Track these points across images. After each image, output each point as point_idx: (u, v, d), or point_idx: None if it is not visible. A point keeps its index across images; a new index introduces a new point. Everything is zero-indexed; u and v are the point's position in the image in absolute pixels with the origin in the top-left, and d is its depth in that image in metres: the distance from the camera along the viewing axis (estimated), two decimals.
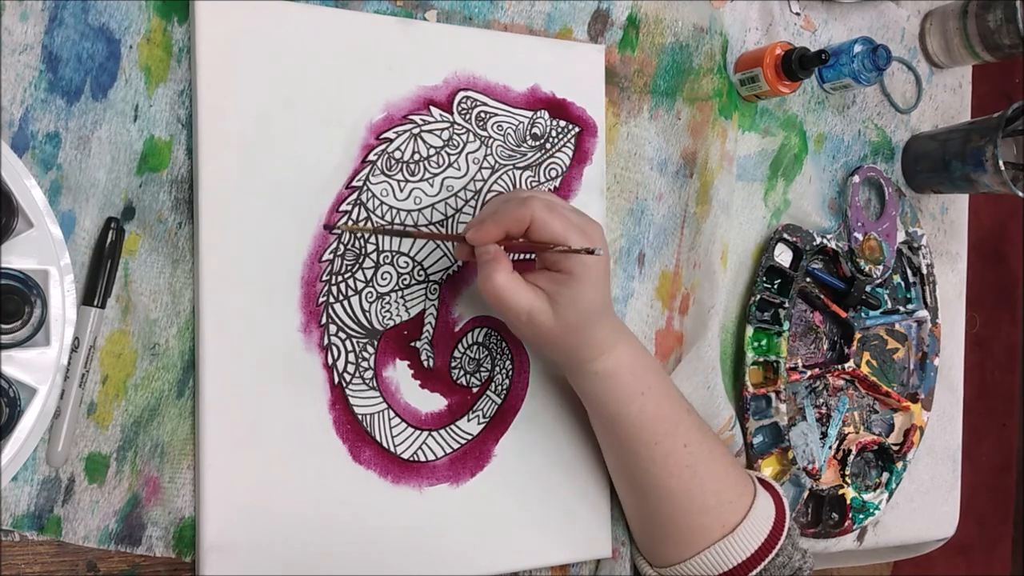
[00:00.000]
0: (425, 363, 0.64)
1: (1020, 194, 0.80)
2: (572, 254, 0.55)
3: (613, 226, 0.72)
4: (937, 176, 0.86)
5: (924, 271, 0.87)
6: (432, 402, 0.64)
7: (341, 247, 0.61)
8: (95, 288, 0.55)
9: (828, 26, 0.84)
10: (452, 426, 0.65)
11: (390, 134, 0.63)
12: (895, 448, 0.85)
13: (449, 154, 0.65)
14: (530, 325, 0.57)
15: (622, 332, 0.62)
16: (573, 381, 0.63)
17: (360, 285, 0.62)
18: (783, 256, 0.79)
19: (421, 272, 0.64)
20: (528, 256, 0.67)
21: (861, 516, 0.82)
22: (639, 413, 0.62)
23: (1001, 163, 0.79)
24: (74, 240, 0.55)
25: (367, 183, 0.62)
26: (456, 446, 0.65)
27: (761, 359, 0.78)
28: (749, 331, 0.77)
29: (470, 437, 0.65)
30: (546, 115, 0.69)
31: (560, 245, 0.55)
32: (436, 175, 0.64)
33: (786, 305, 0.78)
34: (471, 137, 0.66)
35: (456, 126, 0.65)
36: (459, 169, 0.65)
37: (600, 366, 0.61)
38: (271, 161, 0.59)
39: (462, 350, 0.65)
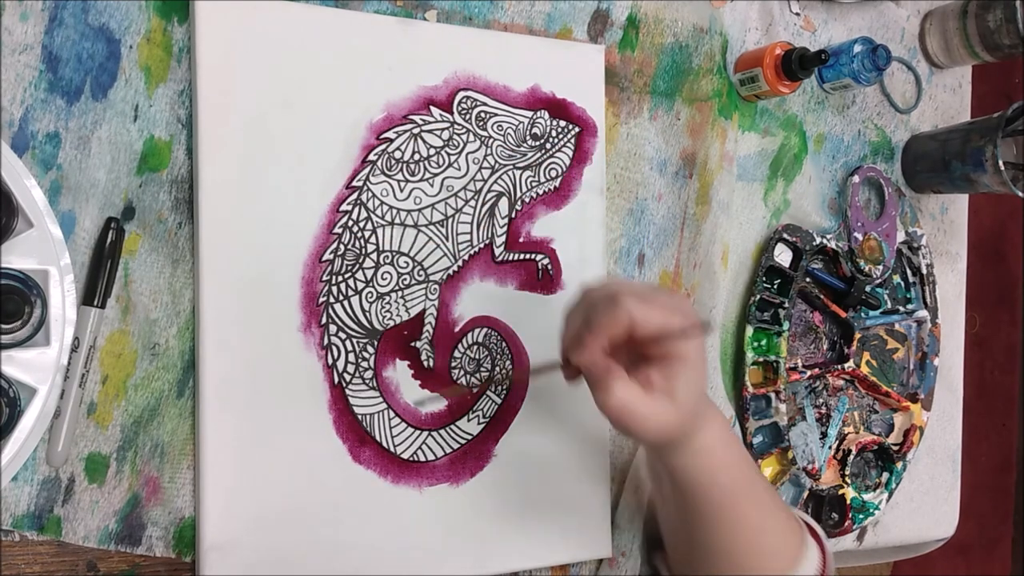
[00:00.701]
0: (425, 363, 0.64)
1: (1020, 194, 0.80)
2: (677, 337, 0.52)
3: (613, 226, 0.72)
4: (937, 176, 0.86)
5: (924, 271, 0.87)
6: (432, 402, 0.64)
7: (341, 247, 0.61)
8: (95, 288, 0.55)
9: (828, 26, 0.84)
10: (452, 426, 0.65)
11: (390, 134, 0.63)
12: (895, 448, 0.85)
13: (449, 154, 0.65)
14: (656, 423, 0.53)
15: (709, 401, 0.59)
16: (664, 459, 0.59)
17: (360, 285, 0.62)
18: (783, 256, 0.79)
19: (421, 272, 0.64)
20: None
21: (861, 516, 0.82)
22: (728, 482, 0.59)
23: (1001, 163, 0.79)
24: (74, 240, 0.55)
25: (367, 183, 0.62)
26: (456, 446, 0.65)
27: (761, 359, 0.78)
28: (749, 331, 0.77)
29: (470, 437, 0.65)
30: (546, 115, 0.69)
31: (667, 334, 0.51)
32: (436, 175, 0.64)
33: (786, 305, 0.78)
34: (471, 137, 0.66)
35: (456, 126, 0.65)
36: (459, 169, 0.65)
37: (699, 442, 0.57)
38: (271, 161, 0.59)
39: (462, 350, 0.65)
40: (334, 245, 0.61)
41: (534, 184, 0.68)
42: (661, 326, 0.51)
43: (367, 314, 0.62)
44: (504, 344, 0.67)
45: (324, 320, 0.60)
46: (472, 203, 0.66)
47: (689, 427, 0.55)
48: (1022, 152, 0.83)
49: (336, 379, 0.61)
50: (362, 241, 0.62)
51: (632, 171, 0.73)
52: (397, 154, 0.63)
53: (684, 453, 0.57)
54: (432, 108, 0.64)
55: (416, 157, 0.64)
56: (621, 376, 0.52)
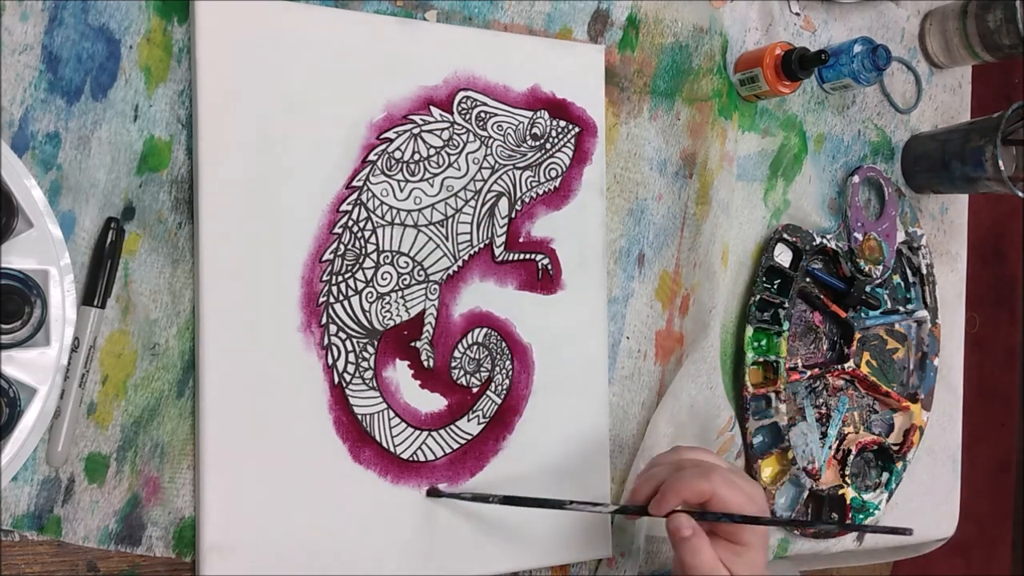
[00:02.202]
0: (425, 363, 0.64)
1: (1020, 194, 0.80)
2: (747, 524, 0.57)
3: (613, 226, 0.73)
4: (937, 176, 0.86)
5: (924, 271, 0.87)
6: (432, 402, 0.64)
7: (341, 247, 0.61)
8: (95, 288, 0.55)
9: (828, 26, 0.84)
10: (452, 426, 0.65)
11: (390, 134, 0.63)
12: (895, 448, 0.85)
13: (449, 154, 0.65)
14: None
15: None
16: None
17: (360, 285, 0.62)
18: (783, 256, 0.79)
19: (421, 272, 0.64)
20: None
21: (861, 516, 0.82)
22: None
23: (1001, 163, 0.79)
24: (74, 240, 0.55)
25: (367, 183, 0.62)
26: (456, 446, 0.65)
27: (761, 359, 0.78)
28: (749, 331, 0.77)
29: (470, 437, 0.65)
30: (546, 115, 0.69)
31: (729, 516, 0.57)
32: (436, 175, 0.64)
33: (786, 305, 0.78)
34: (471, 137, 0.66)
35: (456, 126, 0.65)
36: (459, 169, 0.65)
37: None
38: (271, 161, 0.59)
39: (462, 350, 0.65)
40: (334, 245, 0.61)
41: (534, 184, 0.68)
42: (733, 510, 0.56)
43: (367, 314, 0.62)
44: (504, 344, 0.67)
45: (324, 320, 0.60)
46: (472, 203, 0.66)
47: None
48: (1022, 157, 0.83)
49: (336, 379, 0.61)
50: (362, 241, 0.62)
51: (632, 171, 0.73)
52: (397, 154, 0.63)
53: None
54: (432, 108, 0.64)
55: (416, 157, 0.64)
56: (708, 539, 0.56)
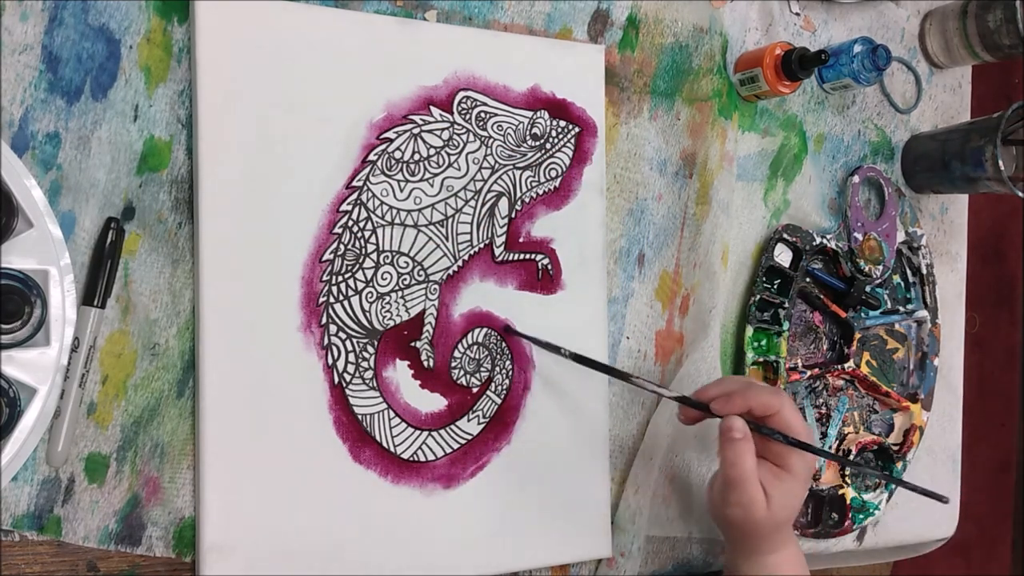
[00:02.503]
0: (425, 363, 0.64)
1: (1020, 194, 0.80)
2: (796, 452, 0.59)
3: (613, 226, 0.73)
4: (937, 176, 0.86)
5: (924, 271, 0.87)
6: (432, 402, 0.64)
7: (341, 247, 0.61)
8: (95, 288, 0.55)
9: (828, 26, 0.84)
10: (452, 426, 0.65)
11: (390, 134, 0.63)
12: (895, 448, 0.85)
13: (449, 154, 0.65)
14: (744, 510, 0.59)
15: (792, 533, 0.64)
16: (736, 561, 0.64)
17: (360, 285, 0.62)
18: (783, 256, 0.79)
19: (421, 272, 0.64)
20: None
21: (861, 516, 0.82)
22: None
23: (1001, 163, 0.79)
24: (74, 240, 0.55)
25: (367, 183, 0.62)
26: (456, 446, 0.65)
27: (761, 359, 0.78)
28: (749, 331, 0.77)
29: (470, 437, 0.65)
30: (546, 115, 0.69)
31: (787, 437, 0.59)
32: (436, 175, 0.64)
33: (786, 305, 0.78)
34: (471, 137, 0.66)
35: (456, 126, 0.65)
36: (459, 169, 0.65)
37: (772, 560, 0.62)
38: (271, 161, 0.59)
39: (462, 350, 0.65)
40: (334, 245, 0.61)
41: (534, 184, 0.68)
42: (794, 433, 0.59)
43: (367, 314, 0.62)
44: (504, 344, 0.67)
45: (324, 320, 0.60)
46: (472, 203, 0.66)
47: (770, 536, 0.61)
48: (1022, 157, 0.83)
49: (336, 379, 0.61)
50: (362, 241, 0.62)
51: (632, 171, 0.73)
52: (397, 154, 0.63)
53: (755, 564, 0.62)
54: (432, 108, 0.64)
55: (416, 157, 0.64)
56: (753, 448, 0.59)
